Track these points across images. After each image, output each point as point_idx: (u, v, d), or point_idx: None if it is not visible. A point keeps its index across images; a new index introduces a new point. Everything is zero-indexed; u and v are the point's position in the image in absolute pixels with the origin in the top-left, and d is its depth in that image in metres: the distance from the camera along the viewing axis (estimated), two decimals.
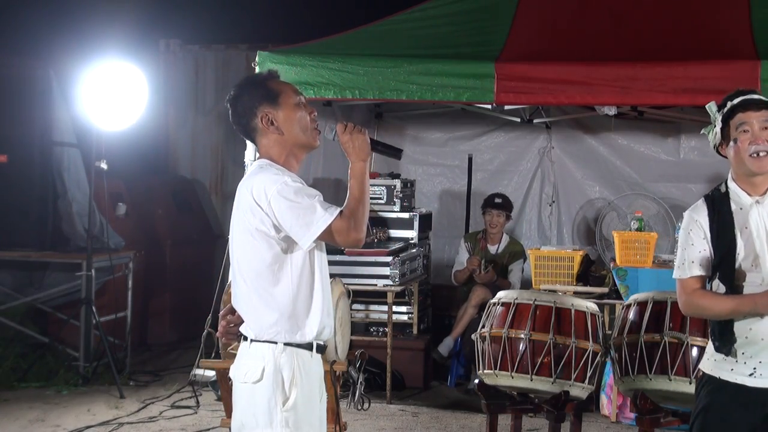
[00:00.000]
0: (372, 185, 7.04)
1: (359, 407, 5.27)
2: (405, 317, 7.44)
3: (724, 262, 3.23)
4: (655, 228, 7.28)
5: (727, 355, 3.21)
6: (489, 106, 7.50)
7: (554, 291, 6.37)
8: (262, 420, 2.97)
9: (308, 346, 3.04)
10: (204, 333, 6.11)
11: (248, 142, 6.26)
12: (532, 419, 6.06)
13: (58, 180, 7.61)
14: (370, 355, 5.39)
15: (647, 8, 6.68)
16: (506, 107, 7.47)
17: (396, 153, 3.35)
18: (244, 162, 6.58)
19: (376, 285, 6.88)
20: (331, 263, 3.24)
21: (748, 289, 3.20)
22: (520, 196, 8.63)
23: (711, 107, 3.36)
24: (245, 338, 3.06)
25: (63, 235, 7.65)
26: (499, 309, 4.88)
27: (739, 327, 3.20)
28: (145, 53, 9.40)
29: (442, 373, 7.52)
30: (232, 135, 8.89)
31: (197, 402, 6.70)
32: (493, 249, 7.68)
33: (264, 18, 11.35)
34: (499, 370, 4.74)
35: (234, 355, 3.15)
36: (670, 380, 4.43)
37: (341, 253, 6.72)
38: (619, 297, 6.49)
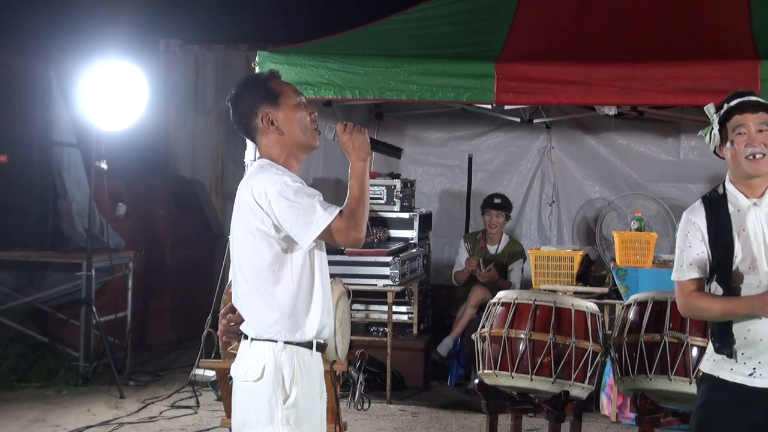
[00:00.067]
0: (372, 185, 7.04)
1: (359, 407, 5.27)
2: (405, 317, 7.44)
3: (721, 265, 3.23)
4: (655, 228, 7.29)
5: (728, 356, 3.21)
6: (489, 106, 7.50)
7: (554, 291, 6.37)
8: (263, 418, 2.98)
9: (308, 345, 3.05)
10: (204, 333, 6.11)
11: (248, 142, 6.31)
12: (532, 419, 6.06)
13: (58, 180, 7.62)
14: (370, 355, 5.40)
15: (647, 8, 6.68)
16: (506, 107, 7.47)
17: (396, 152, 3.35)
18: (244, 162, 6.58)
19: (376, 285, 6.88)
20: (331, 263, 3.25)
21: (745, 291, 3.20)
22: (520, 196, 8.63)
23: (709, 109, 3.36)
24: (246, 337, 3.07)
25: (63, 235, 7.65)
26: (499, 309, 4.88)
27: (737, 328, 3.20)
28: (145, 53, 9.40)
29: (442, 373, 7.52)
30: (232, 135, 8.94)
31: (197, 402, 6.70)
32: (492, 249, 7.68)
33: (264, 18, 11.35)
34: (499, 370, 4.74)
35: (234, 355, 3.16)
36: (670, 380, 4.43)
37: (341, 253, 6.72)
38: (619, 297, 6.50)
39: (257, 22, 11.29)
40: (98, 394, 6.98)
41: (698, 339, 4.40)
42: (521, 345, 4.69)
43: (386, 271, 6.84)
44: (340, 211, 2.95)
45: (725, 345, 3.22)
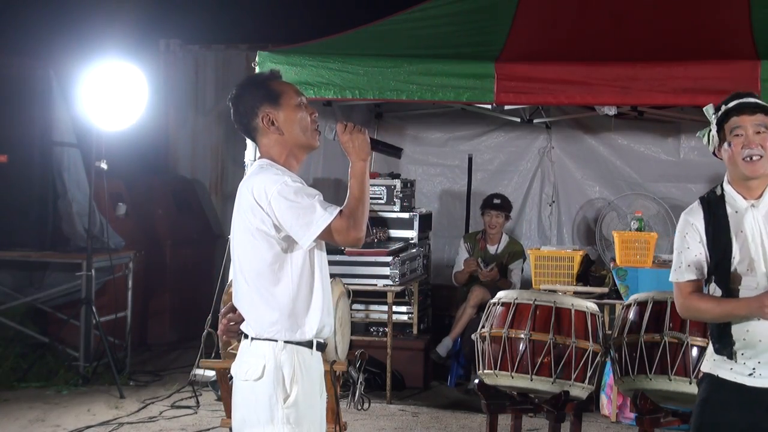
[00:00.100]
0: (372, 185, 7.04)
1: (359, 407, 5.27)
2: (405, 317, 7.44)
3: (719, 266, 3.24)
4: (655, 228, 7.29)
5: (728, 357, 3.22)
6: (489, 106, 7.50)
7: (554, 291, 6.37)
8: (263, 417, 2.99)
9: (308, 344, 3.06)
10: (204, 333, 6.11)
11: (248, 142, 6.31)
12: (532, 419, 6.06)
13: (58, 180, 7.62)
14: (370, 355, 5.40)
15: (647, 8, 6.68)
16: (506, 107, 7.47)
17: (396, 152, 3.35)
18: (244, 162, 6.58)
19: (376, 285, 6.88)
20: (331, 263, 3.26)
21: (743, 292, 3.20)
22: (520, 196, 8.64)
23: (708, 110, 3.36)
24: (246, 336, 3.08)
25: (63, 235, 7.65)
26: (499, 309, 4.88)
27: (736, 330, 3.21)
28: (145, 53, 9.40)
29: (442, 373, 7.52)
30: (232, 135, 8.94)
31: (197, 402, 6.70)
32: (492, 249, 7.68)
33: (264, 18, 11.35)
34: (499, 370, 4.74)
35: (234, 355, 3.17)
36: (670, 380, 4.43)
37: (341, 253, 6.72)
38: (619, 297, 6.50)
39: (257, 22, 11.29)
40: (98, 394, 6.98)
41: (698, 339, 4.40)
42: (521, 345, 4.69)
43: (386, 271, 6.84)
44: (340, 211, 2.96)
45: (724, 346, 3.22)
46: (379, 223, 7.50)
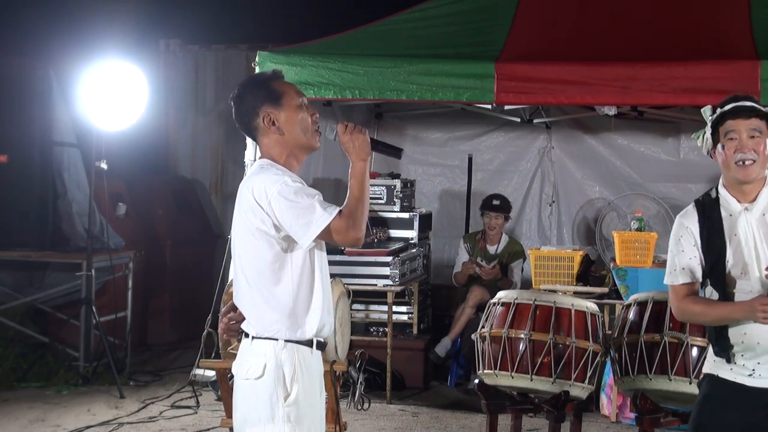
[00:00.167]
0: (372, 185, 7.04)
1: (359, 407, 5.27)
2: (405, 317, 7.44)
3: (714, 269, 3.24)
4: (655, 228, 7.29)
5: (728, 361, 3.22)
6: (489, 106, 7.50)
7: (554, 291, 6.37)
8: (264, 415, 3.00)
9: (308, 343, 3.06)
10: (204, 333, 6.11)
11: (248, 142, 6.32)
12: (532, 419, 6.06)
13: (58, 180, 7.62)
14: (370, 355, 5.40)
15: (647, 8, 6.68)
16: (506, 107, 7.47)
17: (396, 152, 3.36)
18: (244, 162, 6.58)
19: (376, 285, 6.88)
20: (331, 263, 3.26)
21: (739, 296, 3.20)
22: (520, 196, 8.64)
23: (705, 111, 3.36)
24: (246, 335, 3.09)
25: (63, 235, 7.65)
26: (499, 309, 4.88)
27: (733, 333, 3.21)
28: (145, 53, 9.40)
29: (442, 373, 7.52)
30: (232, 135, 8.95)
31: (197, 402, 6.70)
32: (492, 249, 7.68)
33: (264, 18, 11.35)
34: (499, 370, 4.74)
35: (234, 355, 3.18)
36: (670, 380, 4.43)
37: (341, 253, 6.72)
38: (619, 297, 6.50)
39: (257, 22, 11.29)
40: (98, 394, 6.98)
41: (698, 339, 4.40)
42: (521, 345, 4.69)
43: (386, 271, 6.84)
44: (340, 211, 2.96)
45: (723, 349, 3.22)
46: (379, 223, 7.50)
